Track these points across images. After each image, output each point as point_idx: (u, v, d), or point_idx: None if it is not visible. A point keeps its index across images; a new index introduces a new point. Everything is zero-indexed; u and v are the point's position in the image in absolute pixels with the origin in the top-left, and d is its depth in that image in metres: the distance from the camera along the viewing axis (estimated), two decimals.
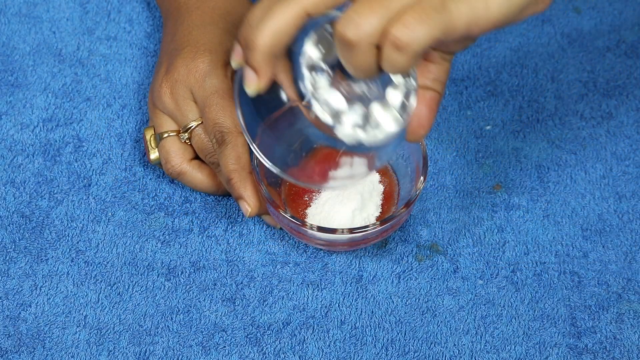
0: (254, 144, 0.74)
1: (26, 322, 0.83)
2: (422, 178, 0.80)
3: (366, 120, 0.70)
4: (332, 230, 0.78)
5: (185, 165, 0.84)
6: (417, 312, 0.83)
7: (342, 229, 0.78)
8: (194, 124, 0.83)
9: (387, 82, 0.70)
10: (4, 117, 0.90)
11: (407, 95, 0.70)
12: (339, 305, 0.84)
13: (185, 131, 0.83)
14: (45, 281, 0.84)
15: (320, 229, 0.78)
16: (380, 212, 0.83)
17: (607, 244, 0.86)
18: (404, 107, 0.71)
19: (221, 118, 0.81)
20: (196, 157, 0.85)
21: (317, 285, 0.84)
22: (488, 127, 0.91)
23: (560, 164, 0.89)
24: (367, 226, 0.78)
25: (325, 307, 0.83)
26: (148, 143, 0.85)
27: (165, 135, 0.84)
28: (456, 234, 0.86)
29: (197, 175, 0.84)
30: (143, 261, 0.85)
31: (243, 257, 0.85)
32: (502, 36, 0.95)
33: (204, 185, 0.85)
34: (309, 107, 0.70)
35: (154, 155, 0.85)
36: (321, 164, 0.75)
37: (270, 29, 0.67)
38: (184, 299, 0.83)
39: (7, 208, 0.86)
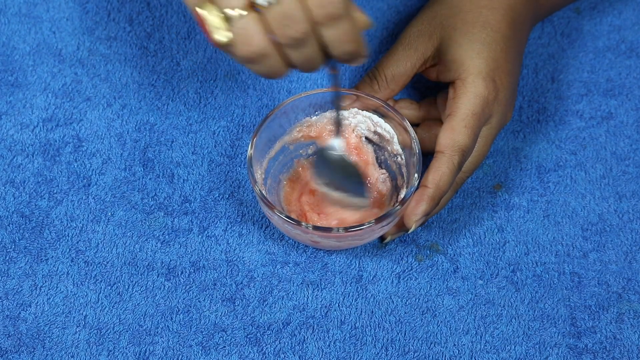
0: None
1: (26, 322, 0.83)
2: (415, 175, 0.80)
3: None
4: (328, 230, 0.78)
5: (269, 45, 0.69)
6: (417, 312, 0.83)
7: (338, 228, 0.78)
8: None
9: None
10: (4, 117, 0.90)
11: None
12: (339, 305, 0.84)
13: None
14: (45, 281, 0.84)
15: (316, 228, 0.78)
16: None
17: (607, 244, 0.86)
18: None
19: None
20: None
21: (317, 285, 0.84)
22: None
23: (560, 164, 0.89)
24: (362, 224, 0.78)
25: (325, 307, 0.83)
26: (211, 22, 0.68)
27: (238, 10, 0.67)
28: (456, 234, 0.86)
29: (278, 58, 0.70)
30: (143, 261, 0.85)
31: (243, 257, 0.85)
32: None
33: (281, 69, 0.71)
34: None
35: (225, 36, 0.68)
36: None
37: None
38: (183, 299, 0.83)
39: (7, 208, 0.87)
